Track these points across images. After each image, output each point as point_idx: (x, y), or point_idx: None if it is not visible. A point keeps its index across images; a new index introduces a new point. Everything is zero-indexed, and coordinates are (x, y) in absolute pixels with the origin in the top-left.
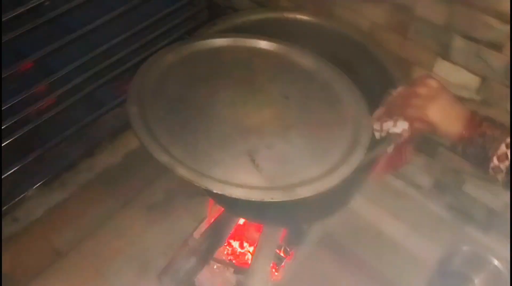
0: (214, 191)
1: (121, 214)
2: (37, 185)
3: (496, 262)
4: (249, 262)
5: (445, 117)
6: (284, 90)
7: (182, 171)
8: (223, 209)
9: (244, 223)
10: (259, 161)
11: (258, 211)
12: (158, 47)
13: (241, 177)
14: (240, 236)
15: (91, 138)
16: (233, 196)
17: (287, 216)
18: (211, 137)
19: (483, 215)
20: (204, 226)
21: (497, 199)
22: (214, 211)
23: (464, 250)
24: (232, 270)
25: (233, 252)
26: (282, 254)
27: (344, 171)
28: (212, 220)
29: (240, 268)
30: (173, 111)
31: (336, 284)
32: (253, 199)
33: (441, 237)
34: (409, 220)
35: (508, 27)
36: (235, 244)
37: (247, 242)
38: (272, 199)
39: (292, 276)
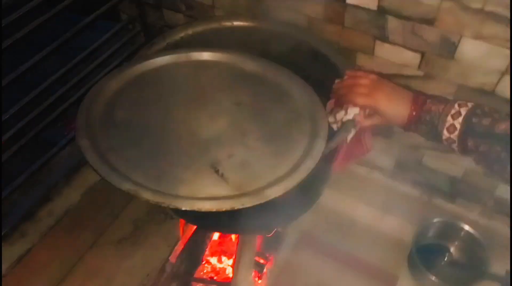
0: (183, 209)
1: (90, 255)
2: None
3: (466, 227)
4: (231, 275)
5: (392, 104)
6: (234, 97)
7: (146, 195)
8: (195, 227)
9: (219, 237)
10: (223, 171)
11: (231, 222)
12: (98, 78)
13: (208, 190)
14: (217, 251)
15: (46, 182)
16: (203, 210)
17: (260, 222)
18: (171, 156)
19: (446, 184)
20: (179, 248)
21: (456, 166)
22: (186, 231)
23: (435, 222)
24: None
25: (213, 269)
26: (261, 261)
27: (308, 166)
28: (186, 240)
29: (223, 284)
30: (126, 138)
31: (321, 281)
32: (224, 209)
33: (412, 214)
34: (379, 204)
35: (438, 1)
36: (213, 260)
37: (225, 256)
38: (243, 205)
39: (276, 282)
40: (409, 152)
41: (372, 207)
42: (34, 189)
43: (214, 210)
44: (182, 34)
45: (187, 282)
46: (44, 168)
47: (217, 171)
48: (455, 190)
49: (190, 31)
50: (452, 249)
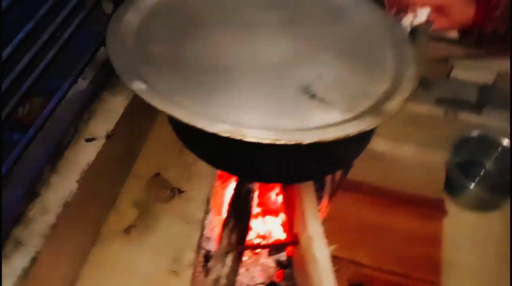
0: (306, 142)
1: (97, 251)
2: None
3: (499, 138)
4: (280, 237)
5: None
6: (282, 16)
7: (257, 134)
8: (232, 194)
9: (258, 196)
10: (322, 95)
11: (288, 169)
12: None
13: (317, 118)
14: (258, 213)
15: (25, 175)
16: (331, 139)
17: (318, 168)
18: (249, 88)
19: (474, 95)
20: (216, 219)
21: (487, 72)
22: (217, 200)
23: (466, 138)
24: (266, 252)
25: (258, 234)
26: None
27: (412, 73)
28: (228, 208)
29: (274, 246)
30: (181, 75)
31: (371, 221)
32: (353, 134)
33: (440, 134)
34: (404, 133)
35: None
36: (257, 224)
37: (270, 215)
38: (371, 126)
39: (328, 229)
40: (436, 66)
41: (398, 139)
42: (13, 186)
43: (343, 137)
44: None
45: (241, 251)
46: (17, 161)
47: (313, 96)
48: (483, 99)
49: None
50: (487, 164)
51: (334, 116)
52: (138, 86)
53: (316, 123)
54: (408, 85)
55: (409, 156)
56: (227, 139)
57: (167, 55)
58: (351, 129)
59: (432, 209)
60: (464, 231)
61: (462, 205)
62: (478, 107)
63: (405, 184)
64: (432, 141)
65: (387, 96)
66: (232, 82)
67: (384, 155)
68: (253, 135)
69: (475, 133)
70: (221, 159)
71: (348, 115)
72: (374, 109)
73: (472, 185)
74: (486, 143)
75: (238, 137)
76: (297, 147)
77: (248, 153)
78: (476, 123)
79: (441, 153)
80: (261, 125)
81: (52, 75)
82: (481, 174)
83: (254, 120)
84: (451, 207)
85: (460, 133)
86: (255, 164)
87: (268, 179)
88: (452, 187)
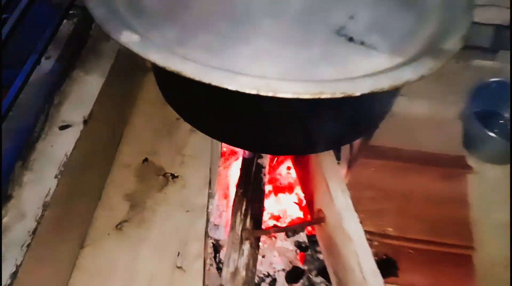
0: (358, 94)
1: (87, 254)
2: None
3: None
4: (298, 215)
5: None
6: None
7: (296, 88)
8: (240, 173)
9: (268, 172)
10: (359, 37)
11: (312, 135)
12: None
13: (361, 65)
14: (270, 191)
15: None
16: (387, 88)
17: (347, 131)
18: (273, 33)
19: (488, 38)
20: (223, 204)
21: (503, 12)
22: (222, 182)
23: (482, 86)
24: (283, 235)
25: (272, 215)
26: None
27: (464, 4)
28: (235, 188)
29: (291, 228)
30: (188, 24)
31: (393, 188)
32: (413, 80)
33: (453, 86)
34: (413, 88)
35: None
36: (269, 204)
37: (283, 192)
38: (431, 69)
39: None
40: None
41: (404, 92)
42: None
43: (399, 85)
44: None
45: (258, 237)
46: None
47: (351, 39)
48: (498, 41)
49: None
50: (506, 115)
51: (381, 61)
52: (128, 38)
53: (360, 71)
54: (464, 19)
55: (422, 112)
56: (240, 99)
57: (162, 5)
58: (408, 75)
59: (454, 167)
60: (488, 186)
61: (482, 158)
62: (493, 51)
63: (422, 144)
64: (444, 93)
65: (441, 34)
66: (251, 29)
67: (395, 114)
68: (287, 90)
69: (492, 80)
70: (228, 129)
71: (398, 60)
72: (430, 51)
73: (493, 136)
74: (504, 90)
75: (268, 93)
76: (329, 105)
77: (263, 118)
78: (491, 68)
79: (455, 105)
80: (293, 77)
81: (4, 60)
82: (500, 123)
83: (283, 71)
84: (471, 162)
85: (474, 82)
86: (269, 132)
87: (285, 150)
88: (471, 140)
